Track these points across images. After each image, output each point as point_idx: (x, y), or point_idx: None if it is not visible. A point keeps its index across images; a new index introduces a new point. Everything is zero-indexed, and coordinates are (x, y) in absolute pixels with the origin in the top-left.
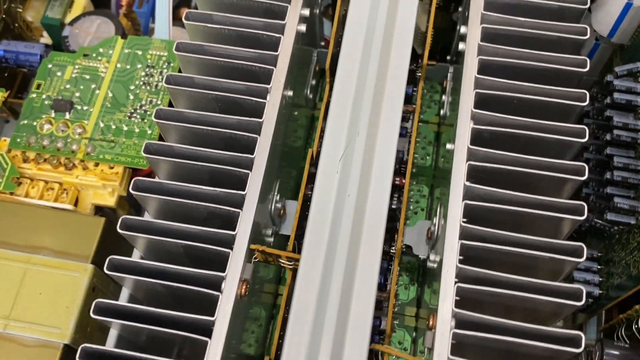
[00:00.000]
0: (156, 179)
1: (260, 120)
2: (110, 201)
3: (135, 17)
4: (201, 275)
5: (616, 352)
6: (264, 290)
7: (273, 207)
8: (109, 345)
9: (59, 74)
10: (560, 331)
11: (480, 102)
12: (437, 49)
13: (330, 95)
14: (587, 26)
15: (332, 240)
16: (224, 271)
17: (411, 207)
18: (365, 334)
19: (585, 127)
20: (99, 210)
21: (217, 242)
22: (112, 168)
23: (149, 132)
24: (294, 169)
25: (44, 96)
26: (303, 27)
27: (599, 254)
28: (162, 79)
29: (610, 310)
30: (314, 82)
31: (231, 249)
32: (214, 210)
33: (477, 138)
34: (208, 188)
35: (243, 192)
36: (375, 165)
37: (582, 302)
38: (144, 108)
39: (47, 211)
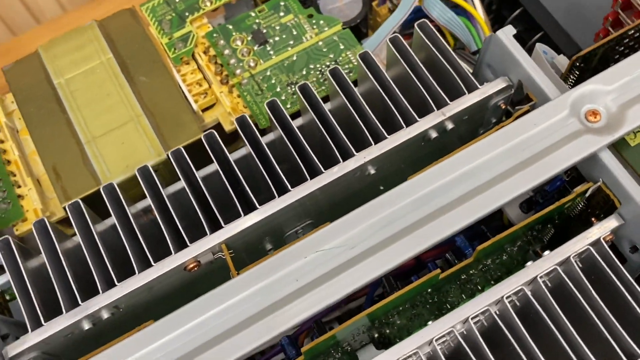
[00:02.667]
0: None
1: (323, 170)
2: (227, 127)
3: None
4: (176, 232)
5: None
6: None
7: (289, 234)
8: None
9: (281, 14)
10: None
11: None
12: None
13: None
14: None
15: (253, 296)
16: (192, 242)
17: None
18: None
19: None
20: (216, 127)
21: (210, 219)
22: (245, 107)
23: (288, 106)
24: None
25: (257, 20)
26: (434, 134)
27: None
28: None
29: None
30: None
31: (208, 233)
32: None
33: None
34: (242, 180)
35: (257, 206)
36: (339, 281)
37: None
38: (298, 87)
39: (179, 95)
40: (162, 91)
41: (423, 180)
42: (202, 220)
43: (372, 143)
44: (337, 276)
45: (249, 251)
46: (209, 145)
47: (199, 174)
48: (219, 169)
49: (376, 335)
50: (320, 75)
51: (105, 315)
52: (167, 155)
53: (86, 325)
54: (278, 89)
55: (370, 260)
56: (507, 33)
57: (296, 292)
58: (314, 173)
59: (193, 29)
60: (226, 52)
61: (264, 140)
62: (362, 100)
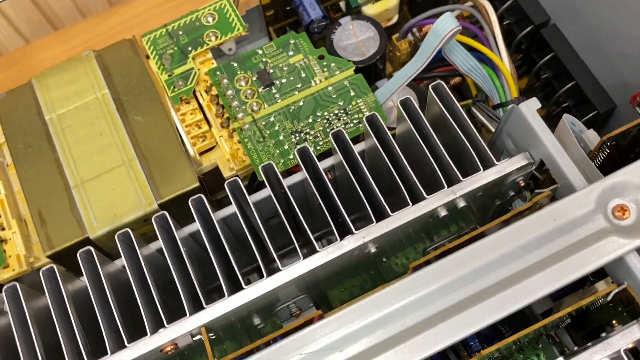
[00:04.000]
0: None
1: (318, 249)
2: (226, 173)
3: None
4: (154, 307)
5: None
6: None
7: (280, 308)
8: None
9: (290, 53)
10: None
11: None
12: None
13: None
14: None
15: None
16: (171, 322)
17: None
18: None
19: None
20: (212, 172)
21: (192, 296)
22: (244, 154)
23: (291, 157)
24: (363, 273)
25: (264, 59)
26: (444, 212)
27: None
28: (343, 127)
29: None
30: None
31: (189, 314)
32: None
33: None
34: (230, 256)
35: (243, 286)
36: None
37: None
38: (306, 135)
39: (176, 140)
40: (158, 133)
41: (427, 277)
42: (183, 298)
43: (374, 220)
44: None
45: (240, 323)
46: (196, 210)
47: (183, 234)
48: (205, 239)
49: None
50: (327, 124)
51: None
52: (158, 205)
53: None
54: (281, 137)
55: None
56: (530, 107)
57: None
58: (311, 250)
59: (195, 66)
60: (229, 92)
61: (257, 197)
62: (366, 170)
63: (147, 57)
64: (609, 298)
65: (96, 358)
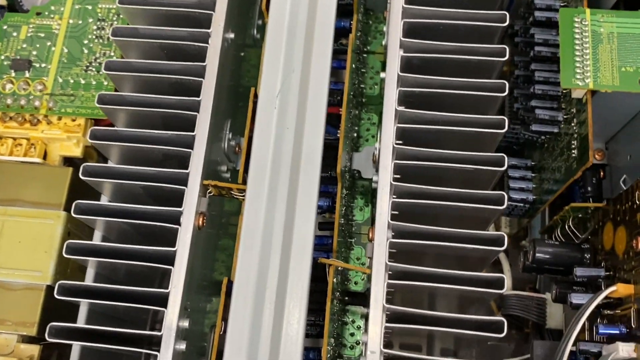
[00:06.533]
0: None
1: (204, 64)
2: (76, 152)
3: None
4: (162, 212)
5: (547, 249)
6: (230, 223)
7: (227, 145)
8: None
9: (14, 34)
10: (487, 233)
11: (409, 31)
12: None
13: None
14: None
15: (274, 170)
16: (181, 207)
17: (363, 135)
18: (308, 248)
19: (506, 48)
20: (68, 161)
21: (173, 181)
22: (74, 120)
23: (105, 83)
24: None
25: (2, 57)
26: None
27: (533, 163)
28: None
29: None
30: (260, 22)
31: (186, 185)
32: (167, 152)
33: (407, 65)
34: (160, 132)
35: (192, 134)
36: (310, 98)
37: (504, 207)
38: (98, 61)
39: (17, 166)
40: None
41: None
42: (166, 185)
43: (213, 12)
44: (309, 90)
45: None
46: (101, 139)
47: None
48: (123, 145)
49: None
50: (102, 40)
51: None
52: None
53: None
54: (82, 81)
55: (315, 58)
56: None
57: (297, 133)
58: (199, 74)
59: None
60: (9, 101)
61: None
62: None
63: None
64: None
65: None
